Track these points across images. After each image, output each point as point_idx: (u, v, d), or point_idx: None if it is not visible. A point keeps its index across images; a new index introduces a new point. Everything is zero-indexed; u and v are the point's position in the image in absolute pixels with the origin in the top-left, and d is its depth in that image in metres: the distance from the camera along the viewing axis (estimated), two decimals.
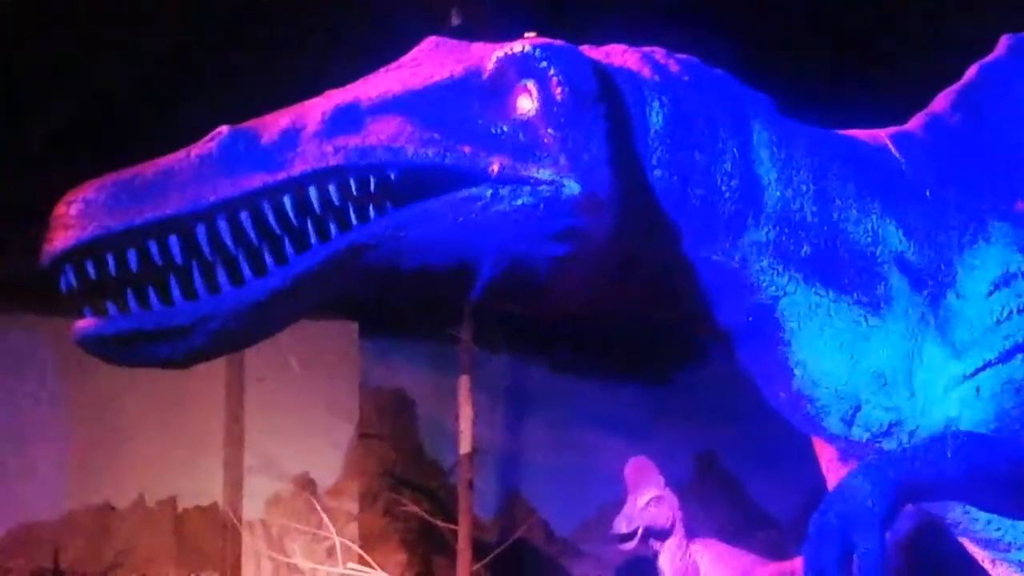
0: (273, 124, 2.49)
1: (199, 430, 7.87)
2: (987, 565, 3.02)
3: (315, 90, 2.62)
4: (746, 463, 8.58)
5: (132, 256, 2.36)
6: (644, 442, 7.47)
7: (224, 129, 2.47)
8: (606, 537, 7.69)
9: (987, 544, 2.96)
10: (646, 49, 2.82)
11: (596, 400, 8.43)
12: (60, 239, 2.38)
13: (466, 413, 7.47)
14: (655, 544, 6.78)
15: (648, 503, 6.72)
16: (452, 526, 7.59)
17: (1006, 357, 2.78)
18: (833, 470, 3.05)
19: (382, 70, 2.65)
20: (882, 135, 3.04)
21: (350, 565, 7.67)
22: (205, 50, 6.26)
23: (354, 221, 2.46)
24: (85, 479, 7.76)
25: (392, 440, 8.49)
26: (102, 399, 7.81)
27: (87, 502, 7.79)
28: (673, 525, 6.77)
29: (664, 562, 6.81)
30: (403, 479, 8.38)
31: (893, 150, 2.99)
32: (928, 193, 2.92)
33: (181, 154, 2.45)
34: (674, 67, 2.80)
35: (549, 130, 2.56)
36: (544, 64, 2.59)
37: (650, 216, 2.66)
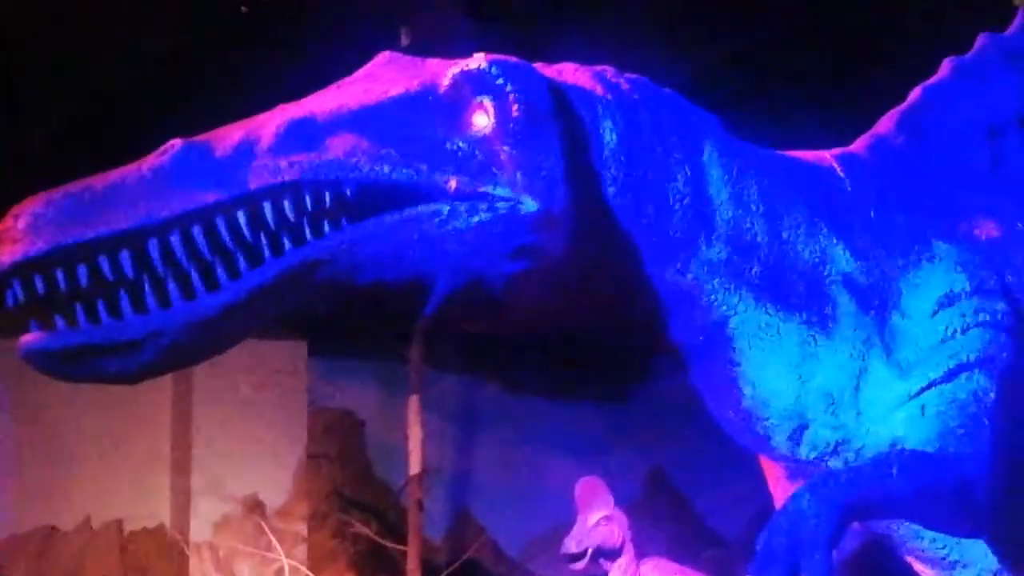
0: (226, 138, 2.45)
1: (146, 451, 7.81)
2: None
3: (264, 104, 2.58)
4: (695, 481, 8.61)
5: (82, 271, 2.31)
6: (594, 461, 7.48)
7: (177, 142, 2.43)
8: (556, 557, 7.68)
9: (933, 563, 2.98)
10: (597, 68, 2.83)
11: (547, 419, 8.44)
12: (7, 253, 2.32)
13: (415, 433, 7.45)
14: (605, 564, 6.78)
15: (598, 523, 6.73)
16: (401, 547, 7.56)
17: (950, 376, 2.80)
18: (780, 489, 3.05)
19: (335, 85, 2.63)
20: (827, 156, 3.06)
21: None
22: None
23: (309, 236, 2.43)
24: (29, 501, 7.69)
25: (341, 461, 8.46)
26: (47, 419, 7.73)
27: (32, 524, 7.73)
28: (623, 544, 6.77)
29: None
30: (352, 500, 8.34)
31: (839, 171, 3.01)
32: (873, 214, 2.94)
33: (133, 167, 2.41)
34: (625, 86, 2.81)
35: (505, 147, 2.54)
36: (500, 81, 2.57)
37: (605, 234, 2.66)
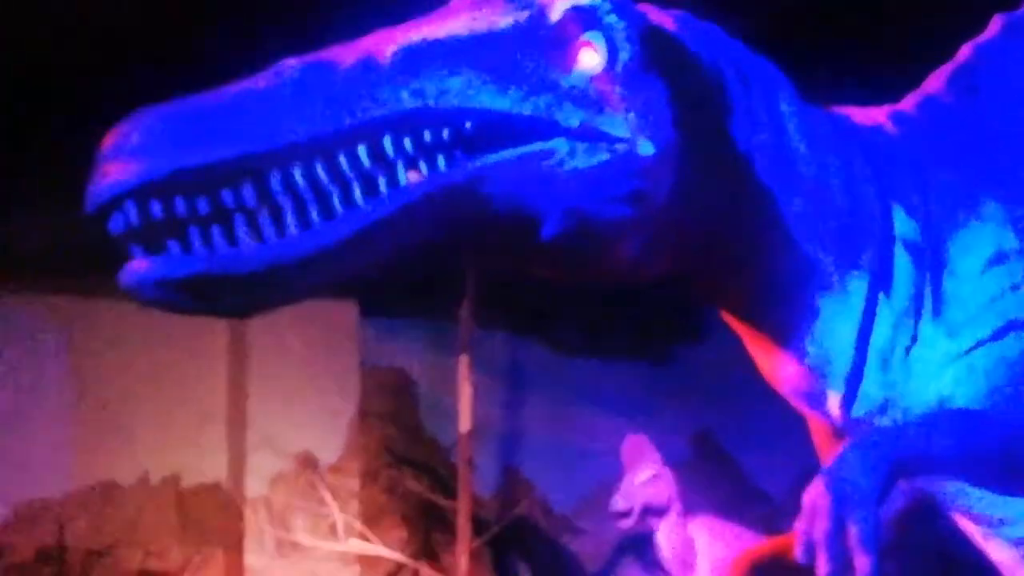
0: (342, 60, 2.29)
1: (202, 408, 7.88)
2: (979, 540, 3.03)
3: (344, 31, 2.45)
4: (742, 441, 8.59)
5: (203, 198, 2.11)
6: (642, 420, 7.49)
7: (292, 61, 2.27)
8: (604, 514, 7.72)
9: (979, 520, 2.97)
10: (674, 12, 2.74)
11: (595, 378, 8.43)
12: (122, 171, 2.10)
13: (465, 392, 7.47)
14: (652, 521, 6.81)
15: (645, 481, 6.76)
16: (452, 503, 7.60)
17: (999, 335, 2.79)
18: (827, 447, 3.05)
19: (435, 14, 2.50)
20: (878, 113, 3.04)
21: (352, 541, 7.70)
22: None
23: (425, 170, 2.30)
24: (88, 457, 7.77)
25: (393, 419, 8.49)
26: (105, 377, 7.82)
27: (91, 480, 7.80)
28: (670, 502, 6.80)
29: (662, 539, 6.85)
30: (404, 457, 8.38)
31: (891, 128, 2.99)
32: (924, 172, 2.93)
33: (247, 86, 2.23)
34: (704, 32, 2.74)
35: (617, 88, 2.46)
36: (612, 18, 2.49)
37: (711, 182, 2.60)
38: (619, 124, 2.43)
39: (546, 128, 2.38)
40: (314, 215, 2.21)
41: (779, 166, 2.72)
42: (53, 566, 7.62)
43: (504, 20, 2.44)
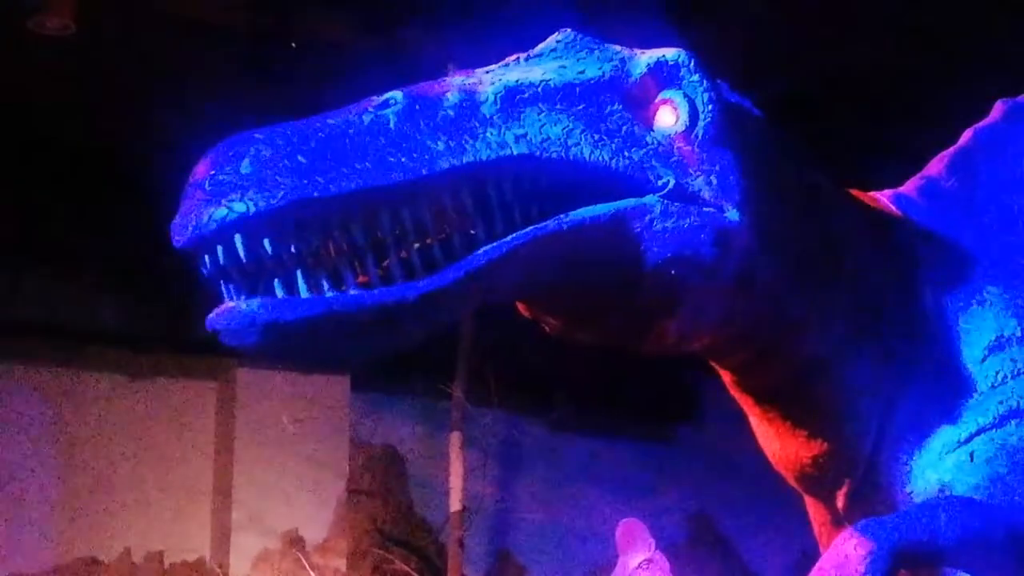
0: (444, 96, 2.23)
1: (187, 484, 7.84)
2: None
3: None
4: (739, 524, 8.55)
5: (313, 233, 1.99)
6: (637, 501, 7.46)
7: (397, 93, 2.19)
8: None
9: None
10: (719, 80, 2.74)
11: (590, 458, 8.41)
12: (230, 202, 1.92)
13: (457, 470, 7.44)
14: None
15: (639, 566, 6.70)
16: None
17: (1000, 422, 2.78)
18: (826, 533, 3.04)
19: (520, 57, 2.48)
20: (880, 196, 3.07)
21: None
22: None
23: (518, 218, 2.23)
24: (71, 532, 7.71)
25: (382, 496, 8.46)
26: (89, 451, 7.79)
27: (73, 555, 7.74)
28: None
29: None
30: (392, 536, 8.34)
31: (895, 211, 3.02)
32: (924, 257, 2.94)
33: (351, 116, 2.13)
34: (740, 101, 2.75)
35: (696, 150, 2.45)
36: (695, 78, 2.47)
37: (777, 250, 2.58)
38: (705, 188, 2.40)
39: (639, 184, 2.36)
40: (416, 260, 2.11)
41: (823, 247, 2.71)
42: None
43: (591, 70, 2.41)
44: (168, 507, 7.85)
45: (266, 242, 1.94)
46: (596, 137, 2.33)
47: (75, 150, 6.57)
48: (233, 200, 1.92)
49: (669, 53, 2.47)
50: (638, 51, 2.49)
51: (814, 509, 3.08)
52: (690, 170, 2.41)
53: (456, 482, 7.43)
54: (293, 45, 5.86)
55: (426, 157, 2.11)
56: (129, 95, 6.34)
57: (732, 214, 2.42)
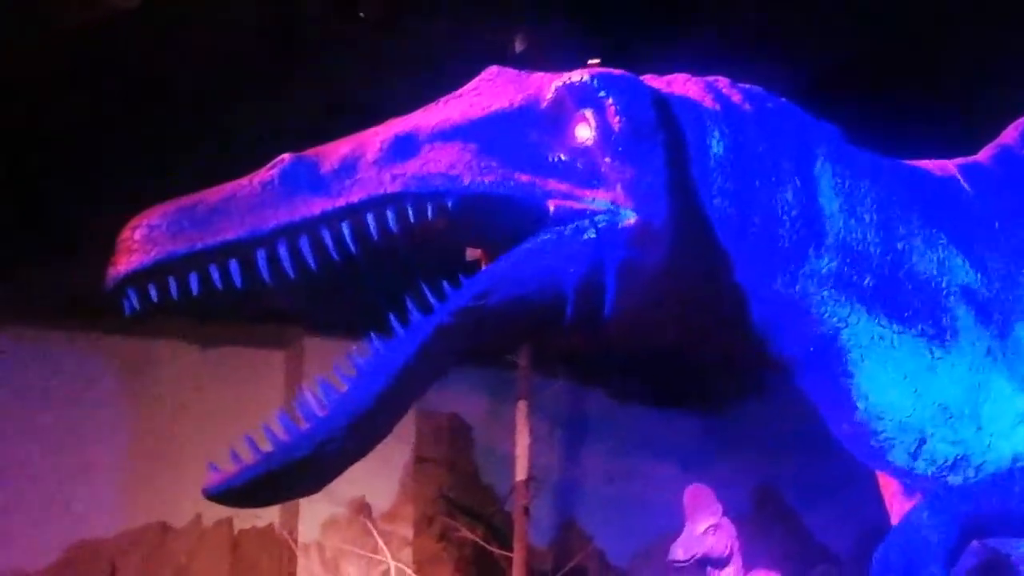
0: (333, 152, 2.50)
1: None
2: None
3: (378, 118, 2.63)
4: (804, 495, 8.50)
5: (193, 280, 2.37)
6: (702, 472, 7.42)
7: (286, 157, 2.48)
8: (663, 568, 7.63)
9: None
10: (710, 79, 2.82)
11: (654, 428, 8.40)
12: (123, 263, 2.40)
13: (523, 439, 7.46)
14: (711, 573, 6.75)
15: (706, 531, 6.71)
16: (507, 553, 7.57)
17: None
18: (897, 504, 3.02)
19: (443, 99, 2.67)
20: (950, 165, 3.02)
21: None
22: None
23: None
24: (141, 498, 7.82)
25: (448, 465, 8.49)
26: (159, 418, 7.88)
27: (144, 520, 7.86)
28: (730, 554, 6.74)
29: None
30: (458, 504, 8.37)
31: (962, 181, 2.97)
32: (997, 225, 2.90)
33: (244, 180, 2.47)
34: (737, 97, 2.79)
35: (607, 159, 2.55)
36: (602, 94, 2.59)
37: (708, 246, 2.65)
38: (602, 196, 2.52)
39: (526, 205, 2.50)
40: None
41: (804, 225, 2.72)
42: None
43: (500, 103, 2.58)
44: None
45: (151, 291, 2.38)
46: (484, 165, 2.49)
47: (148, 118, 6.63)
48: (122, 262, 2.40)
49: (576, 76, 2.60)
50: (554, 77, 2.63)
51: (884, 480, 3.06)
52: (594, 181, 2.53)
53: (522, 451, 7.45)
54: (361, 15, 5.86)
55: (300, 205, 2.42)
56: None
57: (628, 216, 2.51)
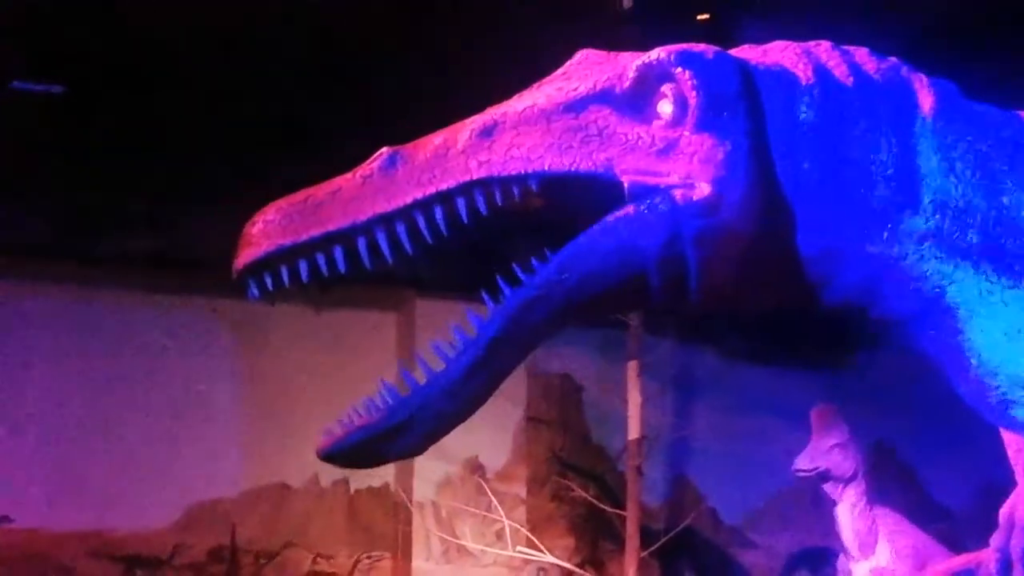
0: (427, 143, 2.63)
1: None
2: None
3: (484, 100, 2.74)
4: (921, 451, 8.38)
5: (302, 267, 2.55)
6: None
7: (385, 150, 2.61)
8: (777, 527, 7.62)
9: None
10: (810, 44, 2.81)
11: (766, 386, 8.33)
12: (243, 255, 2.58)
13: (634, 399, 7.45)
14: (831, 487, 6.72)
15: (832, 446, 6.69)
16: (620, 512, 7.58)
17: None
18: (1020, 461, 2.96)
19: (535, 85, 2.75)
20: None
21: (519, 548, 7.73)
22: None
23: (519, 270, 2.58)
24: (260, 459, 7.96)
25: (559, 425, 8.53)
26: (276, 380, 8.00)
27: (262, 481, 8.00)
28: (856, 473, 6.71)
29: (843, 513, 6.73)
30: (570, 464, 8.41)
31: None
32: None
33: (348, 175, 2.61)
34: (835, 61, 2.77)
35: (684, 133, 2.60)
36: (679, 69, 2.63)
37: (796, 212, 2.65)
38: (677, 169, 2.57)
39: (607, 182, 2.58)
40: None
41: (899, 185, 2.70)
42: (224, 567, 7.83)
43: (585, 85, 2.65)
44: None
45: (267, 279, 2.57)
46: (565, 146, 2.59)
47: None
48: (242, 254, 2.59)
49: (654, 54, 2.66)
50: (636, 57, 2.69)
51: (1009, 437, 3.01)
52: (672, 155, 2.59)
53: (634, 411, 7.44)
54: None
55: (397, 194, 2.56)
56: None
57: (701, 188, 2.55)
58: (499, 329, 2.55)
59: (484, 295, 2.56)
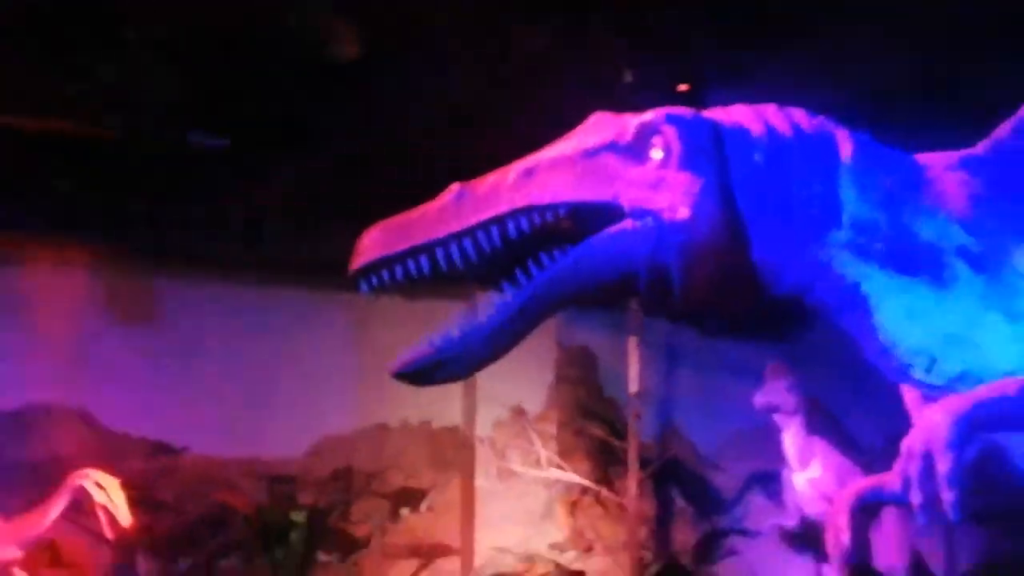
0: (485, 181, 2.64)
1: None
2: None
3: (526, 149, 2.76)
4: (841, 404, 8.27)
5: (397, 271, 2.59)
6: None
7: (455, 185, 2.62)
8: (738, 456, 7.56)
9: None
10: (761, 106, 2.83)
11: (732, 354, 8.25)
12: (356, 262, 2.63)
13: (634, 363, 7.45)
14: (781, 420, 6.72)
15: (780, 388, 6.71)
16: (624, 445, 7.58)
17: None
18: (917, 408, 2.96)
19: (563, 137, 2.75)
20: (954, 155, 2.93)
21: (552, 470, 7.75)
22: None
23: (544, 259, 2.60)
24: (368, 406, 7.94)
25: (580, 382, 8.49)
26: (379, 352, 7.93)
27: (369, 422, 8.00)
28: (797, 409, 6.71)
29: (788, 438, 6.75)
30: (588, 410, 8.39)
31: (962, 168, 2.88)
32: (988, 199, 2.81)
33: (431, 202, 2.63)
34: (779, 119, 2.79)
35: (669, 171, 2.59)
36: (666, 126, 2.65)
37: (752, 231, 2.65)
38: (665, 198, 2.57)
39: (615, 208, 2.58)
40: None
41: (826, 210, 2.70)
42: (343, 482, 7.86)
43: (599, 138, 2.66)
44: (434, 390, 7.88)
45: (373, 279, 2.60)
46: (585, 182, 2.59)
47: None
48: (354, 262, 2.63)
49: (649, 115, 2.68)
50: (635, 117, 2.70)
51: (907, 392, 3.00)
52: (661, 188, 2.58)
53: (633, 373, 7.45)
54: None
55: (464, 219, 2.56)
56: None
57: (681, 212, 2.56)
58: (524, 299, 2.56)
59: (504, 283, 2.59)
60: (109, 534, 6.13)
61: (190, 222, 6.96)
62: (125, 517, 6.02)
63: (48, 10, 4.85)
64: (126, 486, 6.20)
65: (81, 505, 6.17)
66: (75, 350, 7.19)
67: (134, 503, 6.23)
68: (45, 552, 6.59)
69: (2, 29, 4.98)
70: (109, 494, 6.04)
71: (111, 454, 6.97)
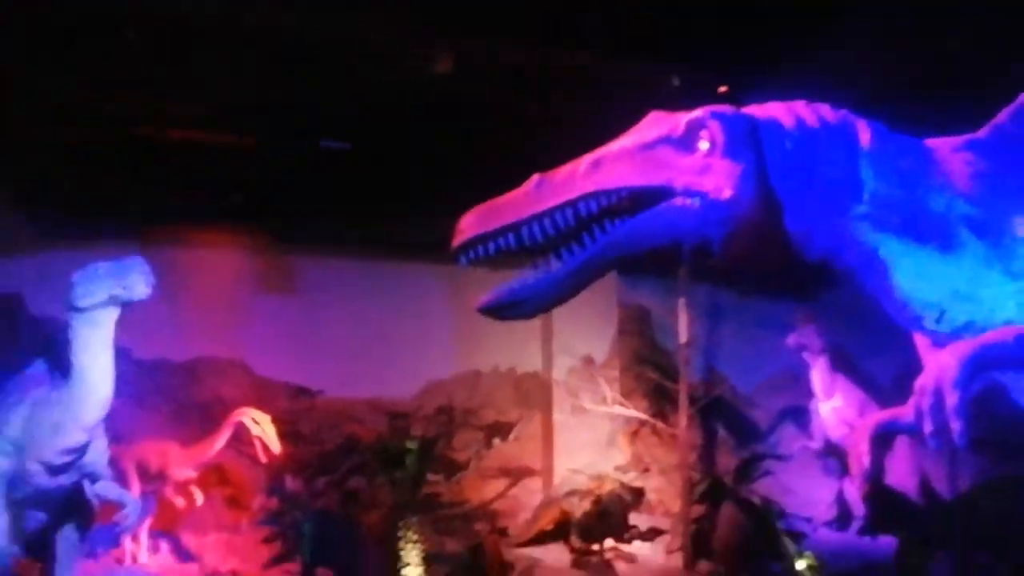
0: (560, 171, 2.65)
1: (528, 328, 7.92)
2: None
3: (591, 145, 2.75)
4: (862, 351, 8.10)
5: (491, 247, 2.62)
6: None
7: (535, 175, 2.64)
8: (773, 394, 7.46)
9: None
10: (792, 103, 2.79)
11: (766, 310, 8.14)
12: (456, 240, 2.66)
13: (683, 319, 7.38)
14: (810, 358, 6.66)
15: (809, 331, 6.72)
16: (676, 386, 7.54)
17: None
18: (928, 353, 2.91)
19: (625, 133, 2.75)
20: (959, 139, 2.86)
21: (616, 407, 7.77)
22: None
23: (607, 227, 2.61)
24: (464, 356, 8.02)
25: (639, 336, 8.49)
26: (473, 313, 8.02)
27: (466, 369, 8.08)
28: (824, 349, 6.68)
29: (815, 373, 6.78)
30: (646, 359, 8.38)
31: (966, 149, 2.81)
32: (991, 177, 2.74)
33: (516, 190, 2.65)
34: (807, 112, 2.75)
35: (715, 159, 2.59)
36: (711, 121, 2.64)
37: (785, 205, 2.63)
38: (710, 182, 2.56)
39: (669, 191, 2.58)
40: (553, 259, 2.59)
41: (849, 187, 2.66)
42: (445, 417, 7.95)
43: (655, 133, 2.65)
44: (519, 343, 8.02)
45: (471, 253, 2.62)
46: (644, 170, 2.58)
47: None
48: (455, 240, 2.64)
49: (697, 112, 2.66)
50: (686, 115, 2.67)
51: (919, 338, 2.95)
52: (708, 174, 2.57)
53: (683, 326, 7.37)
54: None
55: (544, 202, 2.57)
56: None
57: (725, 193, 2.56)
58: (587, 257, 2.58)
59: (573, 244, 2.58)
60: (263, 459, 6.48)
61: (320, 212, 7.13)
62: (275, 446, 6.37)
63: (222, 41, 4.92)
64: (275, 421, 6.50)
65: (241, 436, 6.49)
66: (233, 315, 7.46)
67: (282, 435, 6.52)
68: (213, 473, 6.88)
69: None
70: (263, 428, 6.37)
71: (263, 396, 7.21)
